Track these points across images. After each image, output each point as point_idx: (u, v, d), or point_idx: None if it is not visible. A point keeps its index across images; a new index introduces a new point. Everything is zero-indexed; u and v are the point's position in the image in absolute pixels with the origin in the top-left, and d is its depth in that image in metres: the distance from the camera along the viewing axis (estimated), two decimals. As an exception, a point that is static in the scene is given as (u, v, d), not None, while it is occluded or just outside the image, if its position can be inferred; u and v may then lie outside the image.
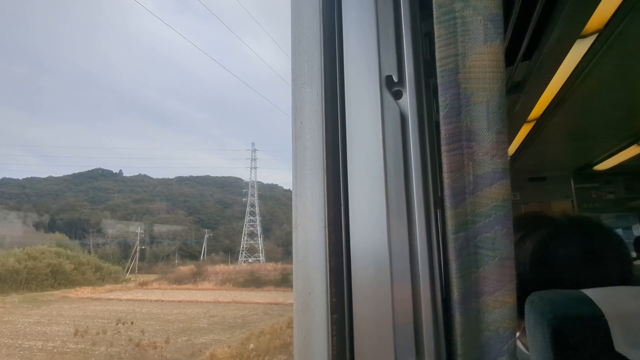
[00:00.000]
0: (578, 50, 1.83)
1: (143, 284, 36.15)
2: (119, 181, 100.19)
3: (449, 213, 0.48)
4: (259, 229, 67.07)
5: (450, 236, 0.48)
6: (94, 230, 63.15)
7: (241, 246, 64.74)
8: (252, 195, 71.72)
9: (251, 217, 69.12)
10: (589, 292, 0.65)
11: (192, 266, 41.46)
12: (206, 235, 65.31)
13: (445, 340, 0.49)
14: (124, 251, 56.52)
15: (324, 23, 0.59)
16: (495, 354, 0.46)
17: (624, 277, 0.82)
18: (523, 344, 0.88)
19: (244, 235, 66.04)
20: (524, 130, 3.00)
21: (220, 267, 41.62)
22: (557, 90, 2.25)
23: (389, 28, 0.57)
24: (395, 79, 0.55)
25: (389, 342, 0.49)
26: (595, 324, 0.60)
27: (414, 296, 0.50)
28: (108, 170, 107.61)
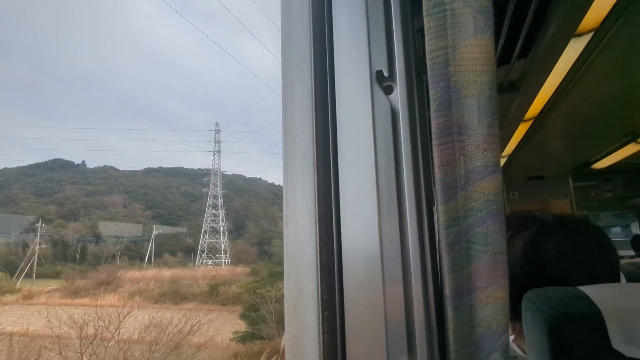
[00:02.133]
0: (574, 49, 1.83)
1: (28, 297, 27.97)
2: (78, 172, 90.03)
3: (440, 208, 0.48)
4: (222, 225, 56.95)
5: (442, 231, 0.47)
6: (31, 227, 52.68)
7: (200, 245, 55.03)
8: (215, 185, 61.35)
9: (214, 211, 58.96)
10: (586, 290, 0.65)
11: (104, 274, 32.94)
12: (154, 232, 54.85)
13: (438, 337, 0.49)
14: (62, 250, 49.68)
15: (313, 18, 0.59)
16: (488, 350, 0.45)
17: (613, 273, 0.82)
18: (519, 346, 0.87)
19: (204, 232, 56.51)
20: (521, 129, 3.00)
21: (149, 273, 35.43)
22: (553, 89, 2.25)
23: (379, 23, 0.56)
24: (385, 73, 0.55)
25: (381, 339, 0.49)
26: (592, 321, 0.60)
27: (405, 292, 0.50)
28: (69, 161, 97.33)
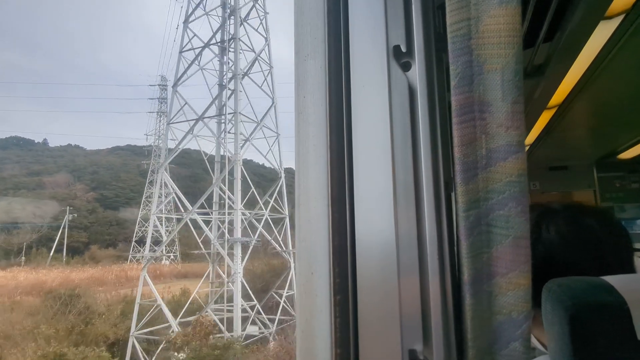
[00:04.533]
0: (602, 32, 1.75)
1: None
2: (33, 151, 79.66)
3: (459, 189, 0.45)
4: (165, 209, 40.53)
5: (461, 214, 0.45)
6: None
7: (135, 235, 43.31)
8: (159, 156, 44.72)
9: (151, 190, 42.49)
10: (611, 279, 0.62)
11: None
12: (67, 217, 43.60)
13: (455, 324, 0.47)
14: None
15: (327, -10, 0.57)
16: (508, 339, 0.43)
17: (622, 258, 0.79)
18: (536, 337, 0.85)
19: (142, 219, 44.15)
20: (545, 117, 2.91)
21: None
22: (580, 75, 2.17)
23: None
24: (403, 49, 0.52)
25: (395, 325, 0.47)
26: (617, 312, 0.57)
27: (421, 278, 0.48)
28: (27, 140, 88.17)
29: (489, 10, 0.44)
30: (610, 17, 1.66)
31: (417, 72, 0.51)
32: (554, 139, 3.47)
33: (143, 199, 45.81)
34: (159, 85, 49.32)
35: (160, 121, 48.34)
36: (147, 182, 45.88)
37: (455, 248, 0.49)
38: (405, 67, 0.52)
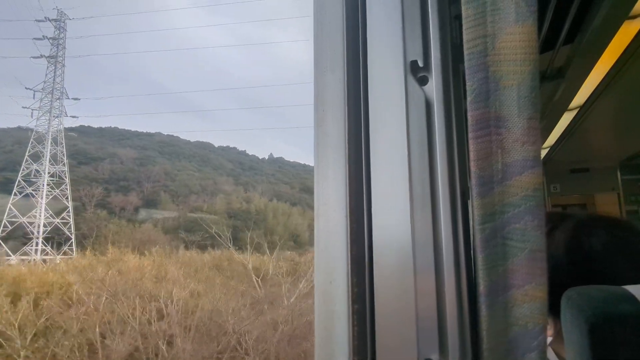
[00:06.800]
0: (626, 32, 1.72)
1: None
2: None
3: (475, 203, 0.46)
4: (43, 194, 31.23)
5: (477, 227, 0.46)
6: None
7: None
8: (46, 130, 34.48)
9: (34, 167, 32.72)
10: (632, 289, 0.62)
11: None
12: None
13: (471, 334, 0.48)
14: None
15: (347, 6, 0.58)
16: (524, 350, 0.44)
17: None
18: (555, 351, 0.84)
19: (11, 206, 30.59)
20: (566, 119, 2.86)
21: None
22: (602, 76, 2.12)
23: (414, 10, 0.55)
24: (420, 63, 0.53)
25: (412, 334, 0.48)
26: (638, 323, 0.57)
27: (438, 289, 0.49)
28: None
29: (505, 28, 0.44)
30: (634, 17, 1.62)
31: (434, 87, 0.52)
32: (575, 140, 3.40)
33: (17, 180, 32.12)
34: (52, 20, 36.16)
35: (53, 70, 35.43)
36: (26, 156, 33.26)
37: (471, 259, 0.50)
38: (422, 81, 0.53)
